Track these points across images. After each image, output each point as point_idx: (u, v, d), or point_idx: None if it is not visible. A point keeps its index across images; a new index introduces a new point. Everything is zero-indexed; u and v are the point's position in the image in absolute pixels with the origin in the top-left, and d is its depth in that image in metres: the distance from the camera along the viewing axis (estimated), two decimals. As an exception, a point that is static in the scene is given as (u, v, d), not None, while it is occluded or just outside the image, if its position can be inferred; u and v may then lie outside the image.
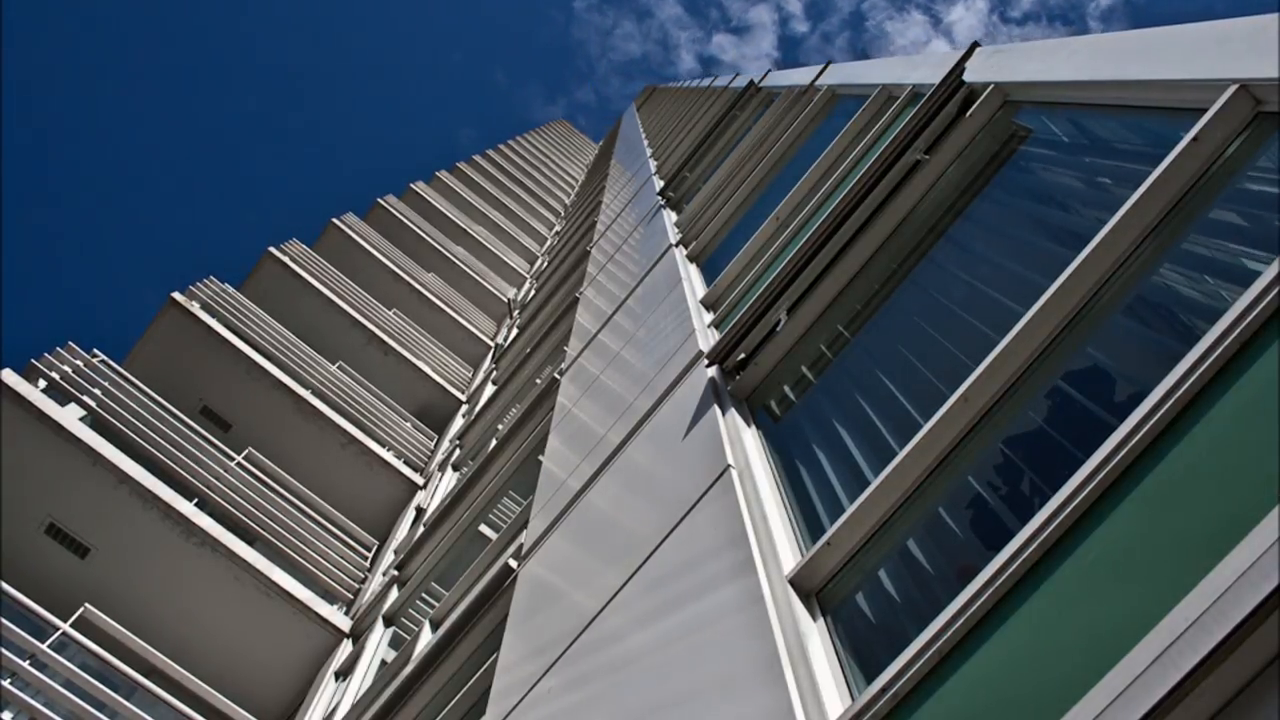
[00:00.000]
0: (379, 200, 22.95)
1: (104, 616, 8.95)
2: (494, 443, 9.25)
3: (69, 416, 9.82)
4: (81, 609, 8.87)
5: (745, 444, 3.60)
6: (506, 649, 4.48)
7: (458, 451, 12.25)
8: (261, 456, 12.07)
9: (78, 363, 10.82)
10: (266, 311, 14.92)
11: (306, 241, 18.42)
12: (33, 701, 7.52)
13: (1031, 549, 1.88)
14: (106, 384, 10.75)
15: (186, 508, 9.87)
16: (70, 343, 10.98)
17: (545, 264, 22.09)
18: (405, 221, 22.61)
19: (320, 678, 9.36)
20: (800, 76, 9.92)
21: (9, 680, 7.56)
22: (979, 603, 1.89)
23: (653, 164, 16.11)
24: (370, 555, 11.68)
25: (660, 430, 4.59)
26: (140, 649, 8.90)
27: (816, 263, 4.25)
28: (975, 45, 4.69)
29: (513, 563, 5.31)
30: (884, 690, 1.93)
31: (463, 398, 16.44)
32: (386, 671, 7.43)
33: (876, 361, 3.67)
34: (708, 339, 5.12)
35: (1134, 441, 1.84)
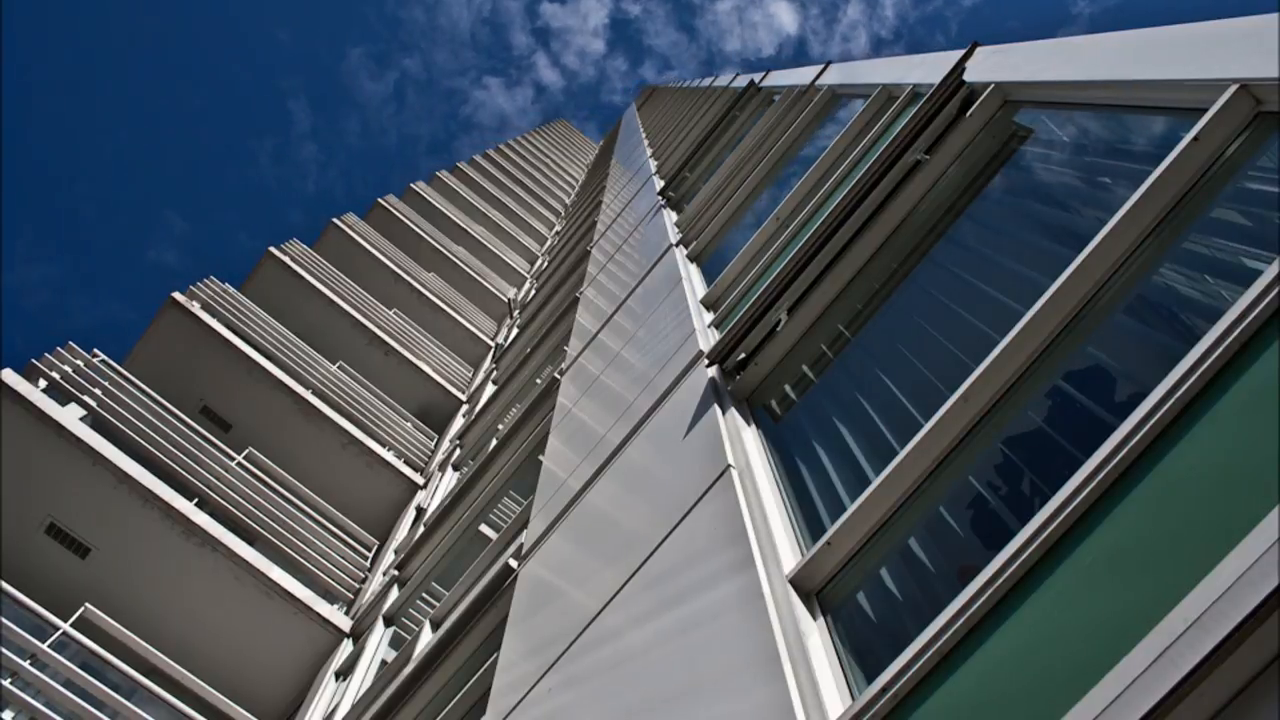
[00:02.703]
0: (379, 200, 22.96)
1: (104, 616, 8.95)
2: (494, 443, 9.26)
3: (69, 416, 9.82)
4: (82, 609, 8.88)
5: (745, 444, 3.60)
6: (507, 649, 4.48)
7: (458, 451, 12.25)
8: (262, 456, 12.07)
9: (78, 363, 10.82)
10: (267, 311, 14.93)
11: (307, 241, 18.44)
12: (33, 701, 7.52)
13: (1031, 549, 1.88)
14: (107, 384, 10.75)
15: (187, 507, 9.87)
16: (70, 343, 10.99)
17: (545, 264, 22.09)
18: (405, 221, 22.62)
19: (320, 677, 9.36)
20: (800, 76, 9.92)
21: (9, 680, 7.56)
22: (979, 603, 1.89)
23: (653, 164, 16.11)
24: (370, 555, 11.68)
25: (660, 430, 4.59)
26: (140, 648, 8.90)
27: (817, 263, 4.25)
28: (975, 45, 4.69)
29: (513, 562, 5.31)
30: (884, 690, 1.94)
31: (463, 397, 16.44)
32: (387, 671, 7.43)
33: (877, 361, 3.67)
34: (708, 339, 5.12)
35: (1134, 441, 1.84)
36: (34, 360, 10.33)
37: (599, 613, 3.61)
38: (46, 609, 8.43)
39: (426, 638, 6.72)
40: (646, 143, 21.29)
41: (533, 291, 19.41)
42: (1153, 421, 1.84)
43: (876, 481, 2.59)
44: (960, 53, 4.69)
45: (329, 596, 10.48)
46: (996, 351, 2.54)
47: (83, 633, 8.47)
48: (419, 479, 13.39)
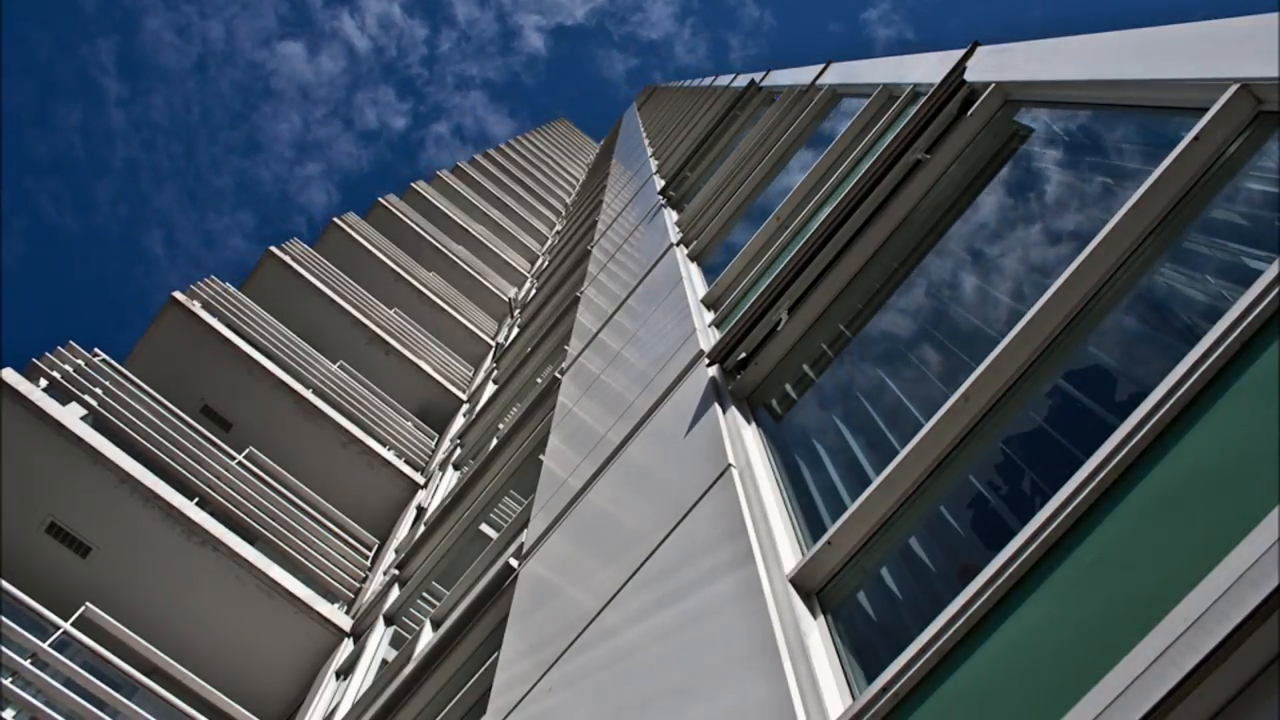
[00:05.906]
0: (380, 200, 22.95)
1: (105, 615, 8.95)
2: (495, 442, 9.26)
3: (70, 416, 9.82)
4: (82, 608, 8.88)
5: (746, 443, 3.60)
6: (507, 648, 4.49)
7: (458, 451, 12.25)
8: (262, 455, 12.07)
9: (79, 362, 10.82)
10: (268, 311, 14.93)
11: (308, 241, 18.45)
12: (34, 700, 7.53)
13: (1032, 548, 1.88)
14: (107, 383, 10.75)
15: (187, 506, 9.87)
16: (71, 342, 10.99)
17: (546, 263, 22.09)
18: (406, 221, 22.61)
19: (321, 677, 9.36)
20: (801, 76, 9.92)
21: (10, 679, 7.56)
22: (980, 602, 1.89)
23: (653, 163, 16.11)
24: (371, 554, 11.68)
25: (661, 430, 4.59)
26: (141, 648, 8.91)
27: (817, 262, 4.25)
28: (976, 44, 4.69)
29: (513, 562, 5.31)
30: (885, 689, 1.94)
31: (464, 397, 16.44)
32: (387, 671, 7.44)
33: (877, 361, 3.67)
34: (708, 338, 5.12)
35: (1134, 441, 1.85)
36: (35, 360, 10.34)
37: (599, 612, 3.61)
38: (47, 608, 8.43)
39: (427, 637, 6.72)
40: (647, 142, 21.29)
41: (533, 291, 19.41)
42: (1153, 421, 1.84)
43: (877, 481, 2.59)
44: (961, 52, 4.69)
45: (329, 596, 10.48)
46: (996, 351, 2.54)
47: (83, 632, 8.47)
48: (419, 478, 13.39)
